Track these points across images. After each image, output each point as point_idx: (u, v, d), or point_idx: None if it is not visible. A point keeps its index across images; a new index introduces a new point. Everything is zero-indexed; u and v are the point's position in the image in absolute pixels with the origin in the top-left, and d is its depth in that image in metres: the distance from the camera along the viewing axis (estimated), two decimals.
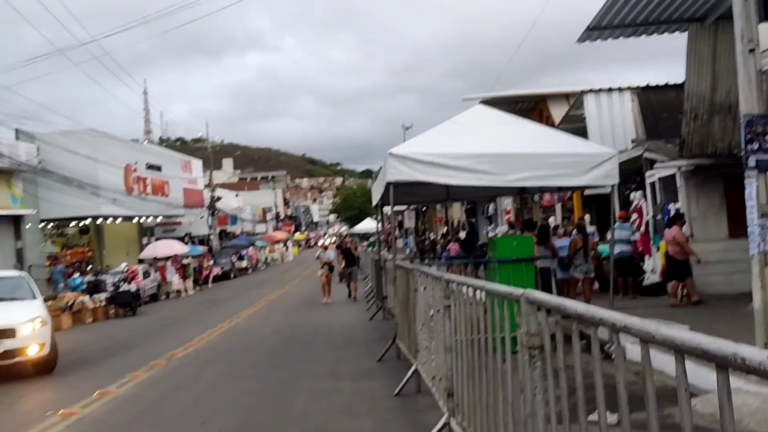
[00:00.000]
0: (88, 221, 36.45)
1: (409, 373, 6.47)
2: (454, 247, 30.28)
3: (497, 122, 9.43)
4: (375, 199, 12.94)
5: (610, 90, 14.46)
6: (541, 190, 12.79)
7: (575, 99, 15.21)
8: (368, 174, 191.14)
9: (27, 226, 31.84)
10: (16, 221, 31.18)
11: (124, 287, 19.95)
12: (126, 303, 19.75)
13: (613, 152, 8.85)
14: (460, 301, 4.30)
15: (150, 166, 40.61)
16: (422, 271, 5.87)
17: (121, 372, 9.08)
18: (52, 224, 33.54)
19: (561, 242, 11.27)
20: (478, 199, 22.44)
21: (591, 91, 14.51)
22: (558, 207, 21.65)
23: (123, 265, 22.04)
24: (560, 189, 11.39)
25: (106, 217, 35.75)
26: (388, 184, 8.48)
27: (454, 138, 8.95)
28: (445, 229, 40.32)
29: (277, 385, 7.52)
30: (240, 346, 10.85)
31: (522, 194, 13.09)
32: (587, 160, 8.55)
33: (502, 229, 24.96)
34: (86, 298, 18.76)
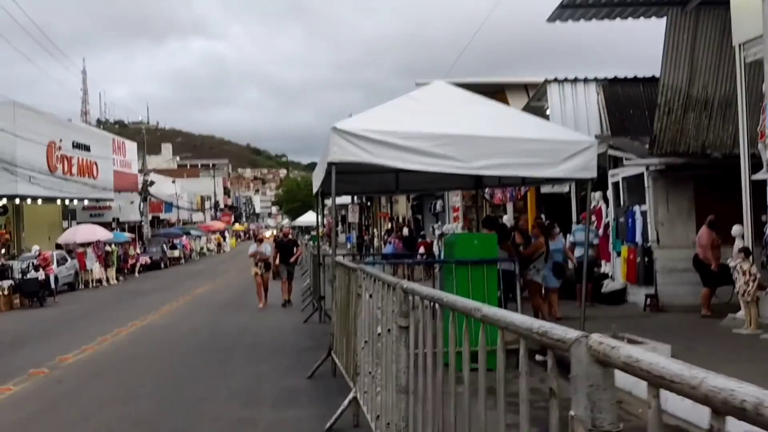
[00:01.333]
0: (3, 201, 33.68)
1: (346, 402, 5.07)
2: (396, 243, 29.26)
3: (460, 101, 8.13)
4: (315, 186, 11.51)
5: (575, 80, 13.42)
6: (502, 183, 11.55)
7: (537, 89, 14.14)
8: (313, 167, 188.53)
9: None
10: None
11: (32, 275, 17.80)
12: (32, 292, 17.63)
13: (592, 141, 7.68)
14: (424, 322, 2.94)
15: (77, 145, 37.77)
16: (369, 272, 4.47)
17: None
18: None
19: (555, 244, 9.91)
20: (429, 191, 21.03)
21: (555, 80, 13.44)
22: (509, 206, 20.63)
23: (35, 249, 19.73)
24: (525, 181, 10.15)
25: (24, 197, 32.96)
26: (330, 165, 7.05)
27: (410, 115, 7.60)
28: (390, 225, 39.22)
29: (174, 411, 5.97)
30: (145, 351, 9.22)
31: (479, 188, 11.88)
32: (563, 148, 7.33)
33: (450, 227, 23.85)
34: None
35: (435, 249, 25.41)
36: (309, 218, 62.88)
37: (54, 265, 22.25)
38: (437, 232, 25.42)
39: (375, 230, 45.14)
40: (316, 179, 11.21)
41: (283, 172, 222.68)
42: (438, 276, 8.86)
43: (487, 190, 19.93)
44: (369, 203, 48.09)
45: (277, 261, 15.28)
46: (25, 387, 7.09)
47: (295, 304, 14.54)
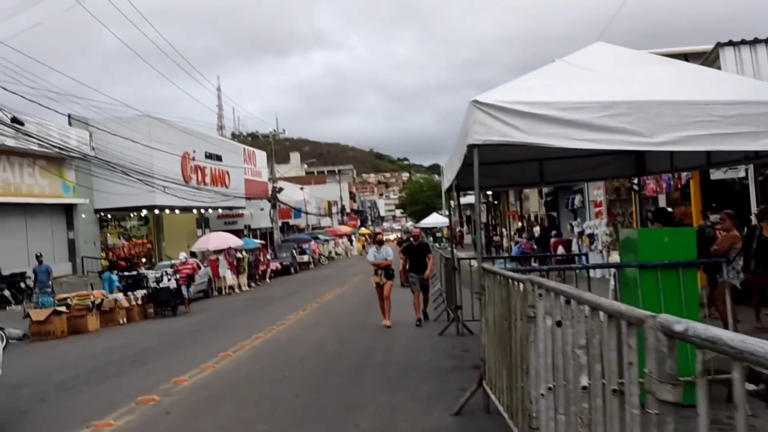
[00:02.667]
0: (143, 212, 35.30)
1: None
2: (525, 244, 27.24)
3: (631, 62, 6.46)
4: (447, 180, 10.17)
5: (754, 42, 11.12)
6: (676, 167, 9.54)
7: (706, 56, 11.93)
8: (435, 169, 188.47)
9: (83, 216, 30.72)
10: (68, 211, 30.06)
11: (164, 284, 17.85)
12: (164, 301, 17.67)
13: None
14: None
15: (209, 155, 39.09)
16: (557, 289, 3.02)
17: (81, 415, 6.60)
18: (103, 214, 32.37)
19: None
20: (576, 182, 18.81)
21: (730, 43, 11.21)
22: (661, 198, 18.16)
23: (182, 256, 19.99)
24: (711, 162, 8.13)
25: (162, 208, 34.38)
26: (471, 149, 5.66)
27: (569, 83, 6.05)
28: (519, 224, 37.10)
29: None
30: (266, 372, 8.26)
31: (641, 174, 9.99)
32: None
33: (592, 223, 21.63)
34: (119, 295, 16.73)
35: (575, 248, 23.27)
36: (433, 220, 61.73)
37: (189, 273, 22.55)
38: (576, 230, 23.22)
39: (503, 230, 43.04)
40: (449, 171, 9.85)
41: (405, 175, 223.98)
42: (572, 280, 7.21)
43: (635, 180, 17.66)
44: (496, 202, 46.12)
45: (407, 267, 12.60)
46: (128, 421, 6.25)
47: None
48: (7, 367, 7.71)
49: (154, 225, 39.04)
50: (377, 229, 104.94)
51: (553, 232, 26.39)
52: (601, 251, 19.81)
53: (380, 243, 12.64)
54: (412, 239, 13.68)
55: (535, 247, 26.66)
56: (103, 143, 28.06)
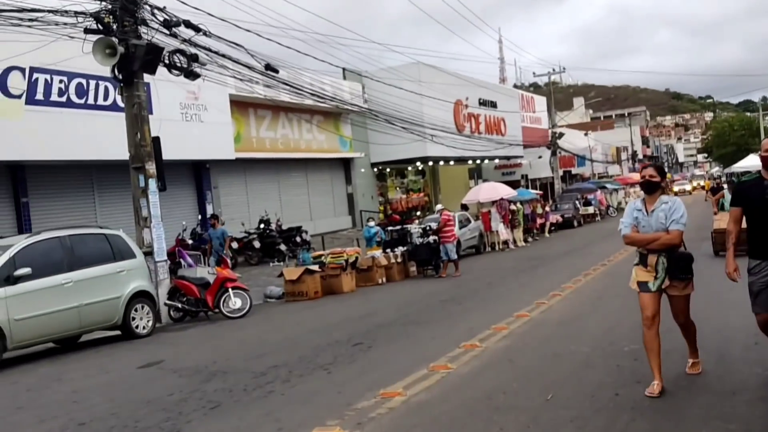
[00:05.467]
0: (420, 165, 34.60)
1: None
2: None
3: None
4: None
5: None
6: None
7: None
8: (746, 106, 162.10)
9: (361, 170, 30.94)
10: (346, 165, 30.39)
11: (427, 240, 16.04)
12: (423, 260, 15.86)
13: None
14: None
15: (483, 102, 36.85)
16: None
17: None
18: (381, 168, 32.22)
19: None
20: None
21: None
22: None
23: (438, 208, 18.00)
24: None
25: (435, 159, 33.22)
26: None
27: None
28: None
29: None
30: (514, 391, 5.48)
31: None
32: None
33: None
34: (377, 253, 15.34)
35: None
36: (749, 163, 51.76)
37: (456, 228, 20.64)
38: None
39: None
40: None
41: (708, 115, 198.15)
42: None
43: None
44: None
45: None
46: None
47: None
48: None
49: (431, 177, 38.38)
50: (675, 177, 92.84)
51: None
52: None
53: (653, 188, 5.14)
54: None
55: None
56: (374, 95, 27.43)
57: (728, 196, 16.80)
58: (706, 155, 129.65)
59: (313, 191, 27.84)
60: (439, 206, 18.64)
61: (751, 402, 4.61)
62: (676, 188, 70.71)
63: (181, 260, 14.27)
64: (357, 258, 14.55)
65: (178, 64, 12.87)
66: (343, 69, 28.61)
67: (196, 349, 9.01)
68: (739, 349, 6.01)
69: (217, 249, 14.60)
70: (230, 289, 11.52)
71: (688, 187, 69.04)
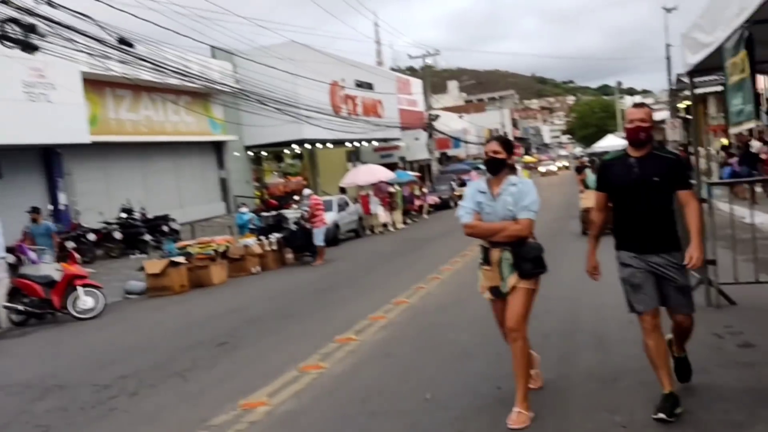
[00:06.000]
0: (297, 148, 33.69)
1: None
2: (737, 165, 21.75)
3: None
4: (692, 57, 6.22)
5: None
6: None
7: None
8: (604, 90, 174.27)
9: (235, 154, 29.57)
10: (218, 149, 28.91)
11: (300, 225, 15.36)
12: (301, 246, 15.19)
13: None
14: None
15: (360, 84, 36.45)
16: None
17: None
18: (257, 151, 31.01)
19: None
20: None
21: None
22: None
23: (306, 193, 17.23)
24: None
25: (312, 142, 32.45)
26: None
27: None
28: (725, 141, 30.64)
29: None
30: (393, 388, 5.02)
31: None
32: None
33: None
34: (250, 240, 14.47)
35: None
36: (609, 143, 55.30)
37: (334, 212, 20.11)
38: None
39: (700, 149, 36.24)
40: (693, 47, 5.94)
41: (571, 99, 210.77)
42: None
43: None
44: (689, 116, 38.75)
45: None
46: None
47: None
48: None
49: (309, 160, 37.56)
50: (541, 157, 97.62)
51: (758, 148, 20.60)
52: None
53: (498, 167, 4.23)
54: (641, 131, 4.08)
55: (736, 169, 21.17)
56: (247, 74, 26.17)
57: (591, 176, 17.41)
58: (570, 136, 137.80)
59: (183, 177, 26.20)
60: (306, 191, 17.88)
61: (633, 388, 4.40)
62: (542, 168, 74.24)
63: (22, 256, 12.61)
64: (228, 247, 13.61)
65: (12, 36, 11.34)
66: (212, 47, 27.09)
67: (33, 359, 7.86)
68: (617, 329, 5.89)
69: (44, 247, 12.53)
70: (79, 288, 10.29)
71: (554, 168, 72.51)
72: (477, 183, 4.33)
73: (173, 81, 21.16)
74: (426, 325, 7.08)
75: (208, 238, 14.36)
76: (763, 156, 20.63)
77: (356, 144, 38.22)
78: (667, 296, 3.97)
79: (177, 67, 20.54)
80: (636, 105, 4.12)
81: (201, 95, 26.48)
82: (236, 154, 29.47)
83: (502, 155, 4.18)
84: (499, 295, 4.17)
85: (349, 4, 38.89)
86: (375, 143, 41.06)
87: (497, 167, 4.19)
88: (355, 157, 36.98)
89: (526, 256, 4.07)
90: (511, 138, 49.65)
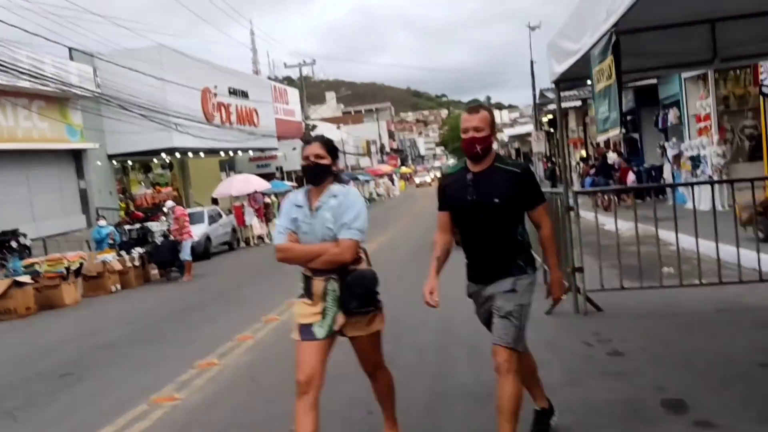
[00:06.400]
0: (167, 157, 31.97)
1: None
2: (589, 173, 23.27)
3: None
4: (558, 66, 6.26)
5: None
6: None
7: None
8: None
9: (98, 164, 27.52)
10: (77, 157, 26.78)
11: (165, 239, 14.40)
12: (166, 261, 14.22)
13: None
14: None
15: (233, 91, 35.31)
16: None
17: None
18: (121, 161, 29.08)
19: None
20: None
21: None
22: None
23: (168, 205, 16.16)
24: None
25: (182, 151, 30.91)
26: None
27: None
28: (584, 152, 32.63)
29: None
30: (255, 418, 4.50)
31: None
32: None
33: (695, 143, 17.25)
34: (109, 256, 13.35)
35: (667, 175, 19.02)
36: None
37: (205, 224, 19.16)
38: (671, 152, 18.89)
39: (560, 160, 38.45)
40: (558, 55, 5.97)
41: (444, 112, 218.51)
42: None
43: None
44: (552, 129, 41.13)
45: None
46: None
47: None
48: None
49: (180, 170, 35.81)
50: (417, 168, 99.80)
51: (619, 162, 22.14)
52: (710, 176, 15.61)
53: (321, 175, 3.47)
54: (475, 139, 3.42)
55: (595, 178, 22.65)
56: (110, 79, 24.49)
57: None
58: (443, 148, 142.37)
59: (36, 188, 23.96)
60: (169, 203, 16.77)
61: None
62: (417, 179, 75.89)
63: None
64: (82, 264, 12.44)
65: None
66: (70, 49, 25.16)
67: None
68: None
69: None
70: None
71: (428, 179, 74.34)
72: (294, 195, 3.56)
73: (24, 84, 19.35)
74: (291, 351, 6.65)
75: (59, 254, 13.07)
76: (617, 167, 22.10)
77: (230, 153, 36.99)
78: (495, 323, 3.33)
79: (29, 69, 18.82)
80: (471, 110, 3.38)
81: (57, 100, 24.40)
82: (98, 163, 27.47)
83: (326, 160, 3.40)
84: (308, 337, 3.31)
85: (223, 11, 37.82)
86: (251, 153, 39.96)
87: (319, 175, 3.40)
88: (229, 166, 35.79)
89: (355, 289, 3.30)
90: (387, 149, 50.07)
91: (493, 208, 3.28)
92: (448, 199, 3.47)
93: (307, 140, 3.51)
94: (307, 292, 3.40)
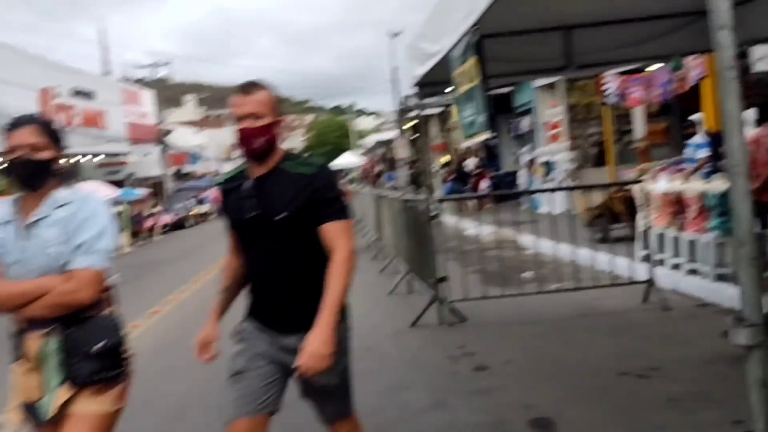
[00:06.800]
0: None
1: None
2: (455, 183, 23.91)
3: None
4: (419, 68, 6.02)
5: None
6: None
7: None
8: (338, 110, 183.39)
9: None
10: None
11: None
12: None
13: None
14: None
15: (78, 92, 32.62)
16: None
17: None
18: None
19: None
20: (630, 61, 13.70)
21: None
22: (639, 112, 14.67)
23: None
24: None
25: None
26: None
27: None
28: (448, 157, 33.43)
29: None
30: None
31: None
32: None
33: (547, 150, 18.08)
34: None
35: (522, 181, 19.83)
36: (345, 161, 57.89)
37: None
38: (524, 159, 19.72)
39: (422, 166, 39.30)
40: (417, 57, 5.73)
41: (308, 117, 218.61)
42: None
43: (612, 87, 14.02)
44: (416, 135, 41.93)
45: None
46: None
47: (372, 268, 9.13)
48: None
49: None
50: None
51: (477, 169, 22.98)
52: (561, 182, 16.38)
53: (37, 175, 2.30)
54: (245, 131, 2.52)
55: (452, 184, 23.32)
56: None
57: None
58: (310, 153, 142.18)
59: None
60: None
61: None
62: None
63: None
64: None
65: None
66: None
67: None
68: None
69: None
70: None
71: None
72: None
73: None
74: (139, 374, 5.87)
75: None
76: (474, 173, 22.80)
77: (75, 159, 34.18)
78: (313, 401, 2.57)
79: None
80: (243, 89, 2.42)
81: None
82: None
83: (47, 152, 2.27)
84: (38, 417, 2.30)
85: (70, 7, 34.89)
86: (99, 158, 37.18)
87: (36, 175, 2.28)
88: (74, 174, 32.95)
89: (86, 347, 2.26)
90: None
91: (281, 225, 2.37)
92: (227, 212, 2.58)
93: (14, 123, 2.27)
94: (20, 355, 2.32)
